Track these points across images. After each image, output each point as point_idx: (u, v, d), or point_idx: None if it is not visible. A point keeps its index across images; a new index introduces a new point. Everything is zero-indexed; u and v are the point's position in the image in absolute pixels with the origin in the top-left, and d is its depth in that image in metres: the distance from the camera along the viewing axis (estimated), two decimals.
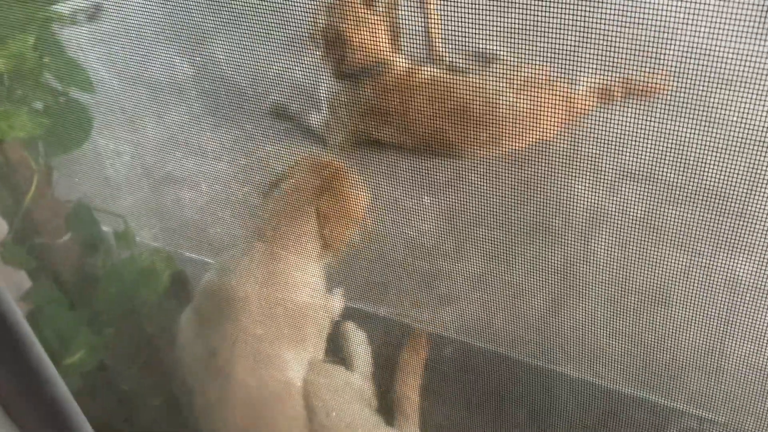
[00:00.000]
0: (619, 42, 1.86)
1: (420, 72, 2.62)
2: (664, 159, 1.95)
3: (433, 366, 1.95)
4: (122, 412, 1.84)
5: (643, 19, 1.79)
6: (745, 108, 1.59)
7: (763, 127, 1.56)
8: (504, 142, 2.55)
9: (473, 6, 1.98)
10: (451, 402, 1.91)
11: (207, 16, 2.34)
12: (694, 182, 2.01)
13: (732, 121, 1.64)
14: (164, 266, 1.75)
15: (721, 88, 1.58)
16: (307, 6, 2.53)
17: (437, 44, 2.81)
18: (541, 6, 1.74)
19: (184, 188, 2.53)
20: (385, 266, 2.24)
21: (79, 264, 1.73)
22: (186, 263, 2.11)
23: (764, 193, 1.90)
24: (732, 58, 1.62)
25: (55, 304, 1.65)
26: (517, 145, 2.56)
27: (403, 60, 2.64)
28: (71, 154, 1.79)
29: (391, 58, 2.63)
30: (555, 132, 2.51)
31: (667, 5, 1.63)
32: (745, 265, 1.94)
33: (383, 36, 2.62)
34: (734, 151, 1.74)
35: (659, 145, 1.89)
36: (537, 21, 1.78)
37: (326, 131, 2.78)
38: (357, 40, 2.58)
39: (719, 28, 1.42)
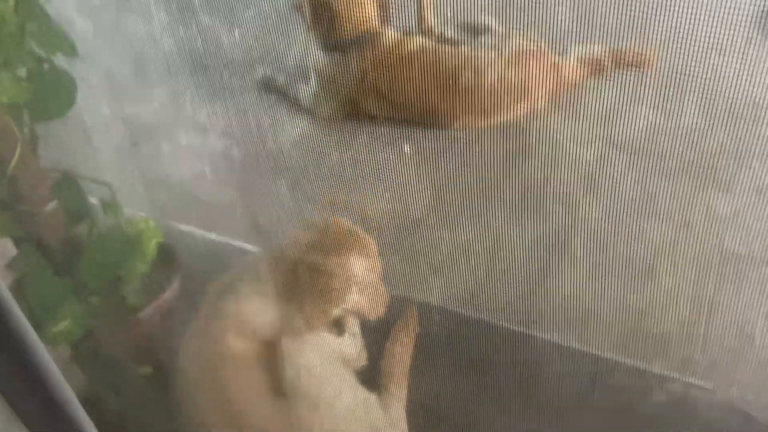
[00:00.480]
0: (609, 13, 1.85)
1: (409, 43, 2.59)
2: (654, 130, 1.95)
3: (421, 335, 1.95)
4: (109, 381, 1.84)
5: None
6: (733, 77, 1.59)
7: (751, 97, 1.56)
8: (493, 113, 2.53)
9: None
10: (438, 370, 1.91)
11: None
12: (683, 154, 2.02)
13: (722, 91, 1.64)
14: (151, 235, 1.73)
15: (709, 58, 1.58)
16: None
17: (427, 15, 2.78)
18: None
19: (171, 160, 2.51)
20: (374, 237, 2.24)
21: (64, 232, 1.72)
22: (174, 234, 2.10)
23: (751, 163, 1.91)
24: (719, 27, 1.62)
25: (41, 271, 1.64)
26: (506, 116, 2.55)
27: (392, 31, 2.62)
28: (57, 123, 1.77)
29: (380, 29, 2.60)
30: (545, 103, 2.50)
31: None
32: (733, 235, 1.95)
33: (371, 7, 2.60)
34: (724, 121, 1.74)
35: (649, 117, 1.89)
36: None
37: (314, 103, 2.75)
38: (345, 10, 2.56)
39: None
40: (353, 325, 1.90)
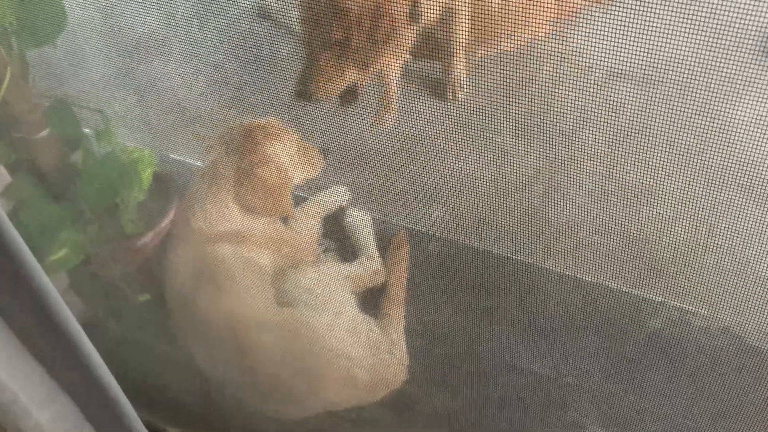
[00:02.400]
0: None
1: None
2: (654, 58, 1.91)
3: (418, 263, 1.96)
4: (107, 307, 1.85)
5: None
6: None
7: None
8: (493, 42, 2.48)
9: None
10: (436, 295, 1.93)
11: None
12: (682, 81, 1.98)
13: (720, 19, 1.61)
14: (146, 164, 1.72)
15: None
16: None
17: None
18: None
19: (166, 87, 2.47)
20: (373, 170, 2.23)
21: (59, 160, 1.70)
22: (170, 164, 2.08)
23: (746, 94, 1.88)
24: None
25: (37, 199, 1.63)
26: (506, 45, 2.50)
27: None
28: (48, 51, 1.73)
29: None
30: (546, 32, 2.45)
31: None
32: (730, 162, 1.94)
33: None
34: (723, 47, 1.70)
35: (649, 44, 1.85)
36: None
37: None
38: None
39: None
40: (368, 247, 1.97)
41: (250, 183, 1.76)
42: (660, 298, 1.82)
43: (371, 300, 1.86)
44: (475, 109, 2.09)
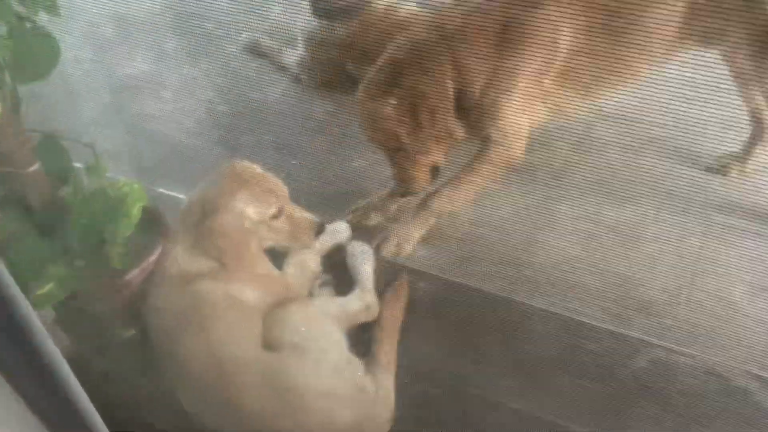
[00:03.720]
0: None
1: (400, 10, 2.57)
2: (640, 102, 1.94)
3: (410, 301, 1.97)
4: (93, 343, 1.84)
5: None
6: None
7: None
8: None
9: None
10: (425, 334, 1.93)
11: None
12: (667, 124, 2.02)
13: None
14: (135, 198, 1.72)
15: None
16: None
17: None
18: None
19: (157, 124, 2.49)
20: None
21: (48, 195, 1.70)
22: (160, 199, 2.09)
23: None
24: None
25: (25, 234, 1.62)
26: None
27: None
28: (42, 86, 1.75)
29: None
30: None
31: None
32: (718, 206, 1.97)
33: None
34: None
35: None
36: None
37: (302, 70, 2.73)
38: None
39: None
40: (365, 280, 1.96)
41: (205, 228, 1.74)
42: (646, 337, 1.83)
43: (365, 340, 1.86)
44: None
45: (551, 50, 1.90)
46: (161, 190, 2.15)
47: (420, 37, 1.98)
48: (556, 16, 1.85)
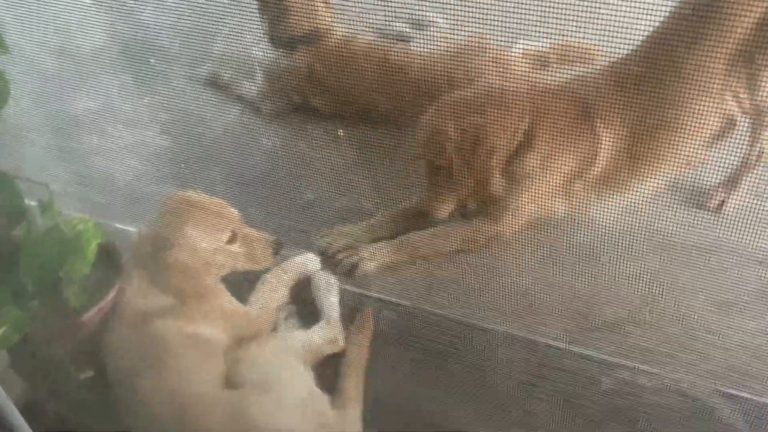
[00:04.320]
0: (553, 11, 1.88)
1: (357, 40, 2.58)
2: None
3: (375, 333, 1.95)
4: (49, 386, 1.78)
5: None
6: None
7: None
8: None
9: None
10: (391, 362, 1.91)
11: None
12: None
13: None
14: (91, 235, 1.68)
15: None
16: None
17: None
18: None
19: (110, 159, 2.45)
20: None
21: (1, 234, 1.66)
22: (116, 235, 2.04)
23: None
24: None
25: None
26: None
27: (341, 27, 2.61)
28: None
29: (329, 26, 2.59)
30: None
31: None
32: (676, 224, 1.99)
33: (320, 3, 2.58)
34: None
35: None
36: None
37: (261, 100, 2.72)
38: (294, 6, 2.53)
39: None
40: (330, 311, 1.93)
41: (163, 261, 1.70)
42: (611, 358, 1.83)
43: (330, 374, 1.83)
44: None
45: (590, 160, 2.00)
46: (118, 225, 2.11)
47: (515, 89, 2.03)
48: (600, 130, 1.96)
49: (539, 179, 2.03)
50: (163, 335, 1.65)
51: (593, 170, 2.01)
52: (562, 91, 2.01)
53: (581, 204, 2.09)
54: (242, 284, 1.91)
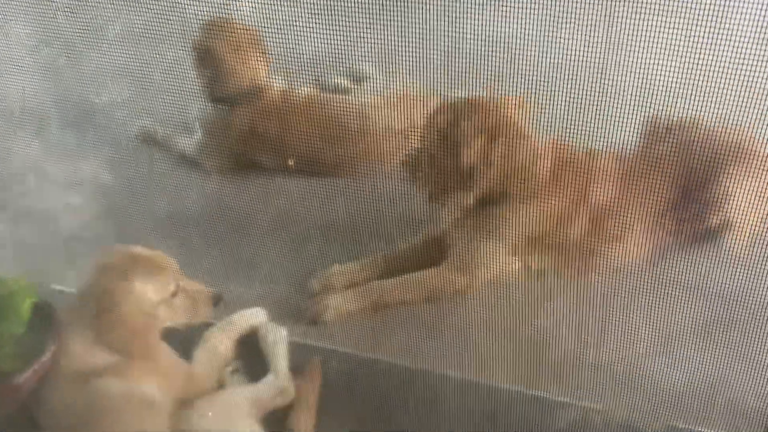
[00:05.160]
0: (483, 61, 1.95)
1: (296, 93, 2.61)
2: None
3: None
4: None
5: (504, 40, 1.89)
6: None
7: None
8: (381, 158, 2.56)
9: (343, 26, 2.01)
10: (339, 413, 1.88)
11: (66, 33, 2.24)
12: None
13: None
14: (24, 295, 1.62)
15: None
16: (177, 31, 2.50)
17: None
18: (409, 27, 1.80)
19: (45, 218, 2.39)
20: (270, 285, 2.20)
21: None
22: (52, 295, 1.97)
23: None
24: None
25: None
26: (394, 160, 2.59)
27: (279, 82, 2.63)
28: None
29: (267, 81, 2.61)
30: None
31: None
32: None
33: (257, 59, 2.59)
34: None
35: None
36: (405, 41, 1.84)
37: (201, 156, 2.70)
38: (231, 62, 2.54)
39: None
40: (278, 363, 1.88)
41: (106, 320, 1.65)
42: (559, 398, 1.84)
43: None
44: (364, 221, 2.14)
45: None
46: (54, 286, 2.04)
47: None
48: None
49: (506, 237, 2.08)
50: (104, 395, 1.58)
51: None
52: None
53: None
54: (185, 339, 1.85)
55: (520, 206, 2.04)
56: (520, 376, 1.90)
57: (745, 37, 1.53)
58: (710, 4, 1.51)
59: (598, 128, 1.75)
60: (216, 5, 2.41)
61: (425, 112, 2.59)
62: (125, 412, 1.58)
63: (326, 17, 1.89)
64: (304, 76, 2.74)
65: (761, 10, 1.53)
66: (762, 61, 1.53)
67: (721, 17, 1.52)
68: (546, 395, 1.85)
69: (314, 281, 2.16)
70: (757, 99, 1.60)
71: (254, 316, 2.01)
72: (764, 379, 1.78)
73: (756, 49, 1.52)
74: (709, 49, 1.54)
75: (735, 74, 1.54)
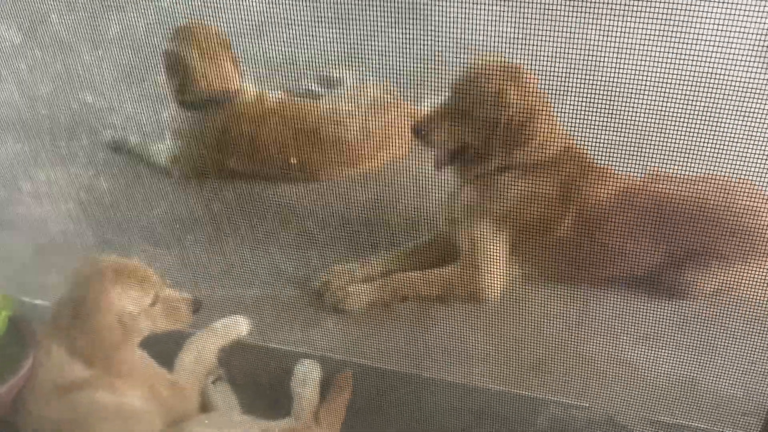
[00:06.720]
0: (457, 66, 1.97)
1: (268, 99, 2.59)
2: None
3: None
4: None
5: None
6: None
7: None
8: (355, 163, 2.57)
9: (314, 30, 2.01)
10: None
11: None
12: None
13: None
14: (0, 308, 1.58)
15: None
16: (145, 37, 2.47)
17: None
18: (383, 30, 1.81)
19: (18, 231, 2.33)
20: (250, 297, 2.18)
21: None
22: (27, 308, 1.93)
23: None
24: None
25: None
26: (368, 165, 2.59)
27: (251, 87, 2.60)
28: None
29: (238, 86, 2.58)
30: (405, 150, 2.56)
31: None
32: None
33: (228, 64, 2.57)
34: None
35: None
36: (378, 44, 1.84)
37: (172, 163, 2.66)
38: (201, 68, 2.52)
39: None
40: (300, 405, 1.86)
41: (83, 332, 1.61)
42: (543, 396, 1.85)
43: None
44: (340, 227, 2.13)
45: None
46: (26, 299, 1.99)
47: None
48: None
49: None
50: (84, 408, 1.55)
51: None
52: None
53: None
54: (165, 348, 1.82)
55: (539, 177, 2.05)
56: (502, 375, 1.92)
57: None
58: None
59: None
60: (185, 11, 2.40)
61: (397, 116, 2.62)
62: (108, 425, 1.55)
63: (299, 22, 1.89)
64: (275, 81, 2.74)
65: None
66: None
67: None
68: (528, 393, 1.87)
69: (321, 278, 2.16)
70: None
71: (236, 324, 1.98)
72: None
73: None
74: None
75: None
